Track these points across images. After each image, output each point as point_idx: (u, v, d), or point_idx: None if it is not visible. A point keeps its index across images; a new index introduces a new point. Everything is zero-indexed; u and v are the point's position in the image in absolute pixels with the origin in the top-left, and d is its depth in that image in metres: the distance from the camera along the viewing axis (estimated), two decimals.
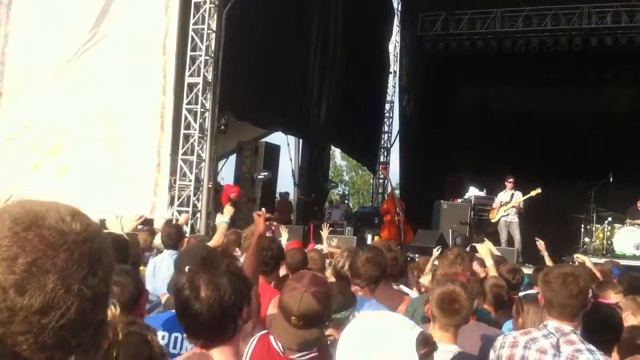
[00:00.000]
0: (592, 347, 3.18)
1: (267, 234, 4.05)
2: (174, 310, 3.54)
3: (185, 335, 3.27)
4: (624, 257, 13.26)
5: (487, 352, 3.48)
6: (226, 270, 2.22)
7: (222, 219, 6.86)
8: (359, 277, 4.11)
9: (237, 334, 2.23)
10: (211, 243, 6.59)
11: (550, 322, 3.22)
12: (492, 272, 5.86)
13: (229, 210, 6.90)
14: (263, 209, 3.95)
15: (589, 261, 7.40)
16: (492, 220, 14.59)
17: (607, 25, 18.73)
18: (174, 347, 3.28)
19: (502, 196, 14.63)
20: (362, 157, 23.39)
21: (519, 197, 14.22)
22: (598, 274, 6.56)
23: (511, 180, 14.51)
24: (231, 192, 13.41)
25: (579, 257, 7.90)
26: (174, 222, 9.37)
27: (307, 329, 2.58)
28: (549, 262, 7.15)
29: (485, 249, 6.35)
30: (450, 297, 3.30)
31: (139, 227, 6.91)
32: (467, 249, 8.86)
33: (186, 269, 2.30)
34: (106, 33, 13.15)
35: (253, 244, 3.92)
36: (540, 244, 7.58)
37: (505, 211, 14.30)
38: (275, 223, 3.82)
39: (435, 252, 6.60)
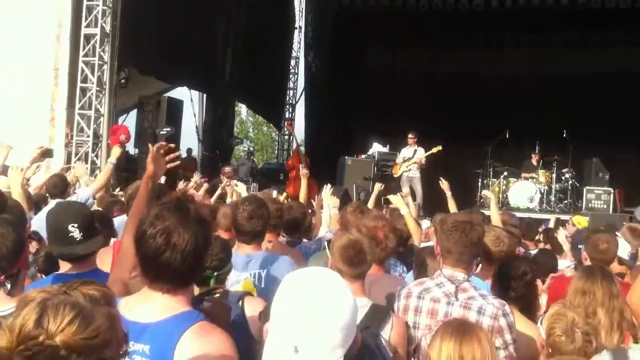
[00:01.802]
0: (485, 293, 3.25)
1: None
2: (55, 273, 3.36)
3: None
4: (518, 209, 13.88)
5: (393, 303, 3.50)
6: (195, 215, 2.14)
7: (109, 160, 6.54)
8: (244, 235, 3.89)
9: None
10: (94, 185, 6.34)
11: (445, 270, 3.25)
12: (410, 221, 5.95)
13: (116, 151, 6.55)
14: (157, 145, 3.27)
15: (494, 200, 7.67)
16: (395, 175, 14.89)
17: None
18: None
19: (405, 152, 14.96)
20: (267, 113, 23.25)
21: (421, 154, 14.56)
22: (498, 218, 6.82)
23: (412, 136, 14.83)
24: (120, 133, 12.69)
25: (486, 194, 8.18)
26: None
27: None
28: (451, 202, 7.31)
29: (398, 199, 6.46)
30: (355, 248, 3.14)
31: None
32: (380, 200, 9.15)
33: (151, 213, 2.15)
34: None
35: (142, 187, 3.42)
36: (444, 183, 7.70)
37: (407, 167, 14.64)
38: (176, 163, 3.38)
39: (326, 189, 6.55)
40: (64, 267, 3.29)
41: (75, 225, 3.20)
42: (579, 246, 5.75)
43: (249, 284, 3.63)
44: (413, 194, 14.46)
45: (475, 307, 3.11)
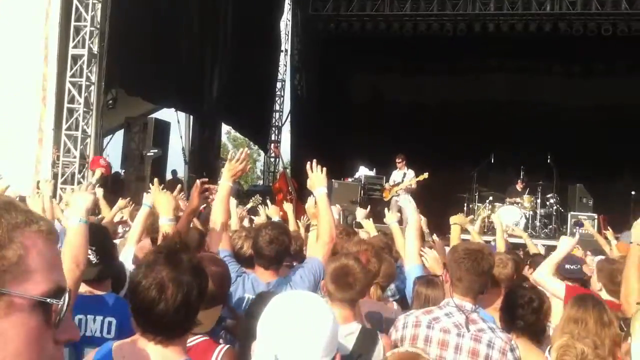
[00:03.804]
0: (493, 325, 3.27)
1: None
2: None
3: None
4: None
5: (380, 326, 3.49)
6: (189, 265, 2.13)
7: (90, 180, 6.88)
8: (263, 258, 3.93)
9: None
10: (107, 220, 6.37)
11: (455, 299, 3.25)
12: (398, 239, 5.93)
13: (97, 173, 6.94)
14: (198, 181, 3.68)
15: (500, 226, 7.49)
16: (385, 199, 14.90)
17: (490, 12, 19.46)
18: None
19: (395, 175, 14.96)
20: (253, 135, 23.24)
21: (410, 177, 14.54)
22: (503, 244, 6.84)
23: (400, 159, 14.86)
24: (99, 159, 12.60)
25: (494, 219, 8.12)
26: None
27: (203, 309, 2.47)
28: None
29: (369, 224, 6.53)
30: (344, 271, 3.16)
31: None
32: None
33: (145, 263, 2.16)
34: None
35: (184, 219, 3.76)
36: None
37: (396, 191, 14.63)
38: (212, 193, 3.62)
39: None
40: (82, 287, 3.30)
41: (93, 248, 3.18)
42: (566, 266, 5.84)
43: None
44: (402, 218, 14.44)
45: (485, 340, 3.11)
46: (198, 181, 3.57)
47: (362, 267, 3.26)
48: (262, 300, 2.64)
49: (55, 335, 1.04)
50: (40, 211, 4.61)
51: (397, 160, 14.88)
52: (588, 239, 13.59)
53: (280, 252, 3.96)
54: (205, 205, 4.93)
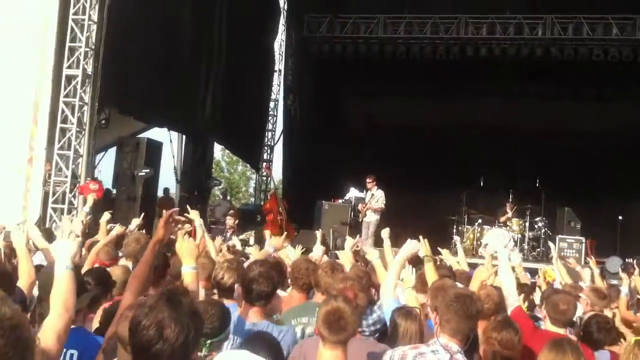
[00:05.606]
0: None
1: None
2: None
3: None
4: (491, 257, 13.99)
5: None
6: (189, 309, 2.21)
7: (84, 208, 7.21)
8: (250, 294, 3.97)
9: None
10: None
11: (441, 339, 3.39)
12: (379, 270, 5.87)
13: (90, 200, 7.29)
14: (170, 211, 3.55)
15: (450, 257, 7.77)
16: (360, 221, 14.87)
17: (483, 36, 19.67)
18: None
19: (367, 196, 14.96)
20: (245, 154, 23.32)
21: (377, 198, 14.46)
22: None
23: (371, 179, 14.75)
24: (89, 184, 12.62)
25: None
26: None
27: None
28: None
29: (346, 256, 6.42)
30: (336, 315, 3.27)
31: None
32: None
33: (147, 303, 2.23)
34: None
35: (149, 251, 3.61)
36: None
37: (365, 213, 14.61)
38: (181, 223, 3.58)
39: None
40: None
41: None
42: None
43: None
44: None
45: None
46: (165, 212, 3.55)
47: (352, 307, 3.36)
48: None
49: None
50: (24, 245, 4.68)
51: (367, 181, 14.79)
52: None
53: (269, 289, 3.99)
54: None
